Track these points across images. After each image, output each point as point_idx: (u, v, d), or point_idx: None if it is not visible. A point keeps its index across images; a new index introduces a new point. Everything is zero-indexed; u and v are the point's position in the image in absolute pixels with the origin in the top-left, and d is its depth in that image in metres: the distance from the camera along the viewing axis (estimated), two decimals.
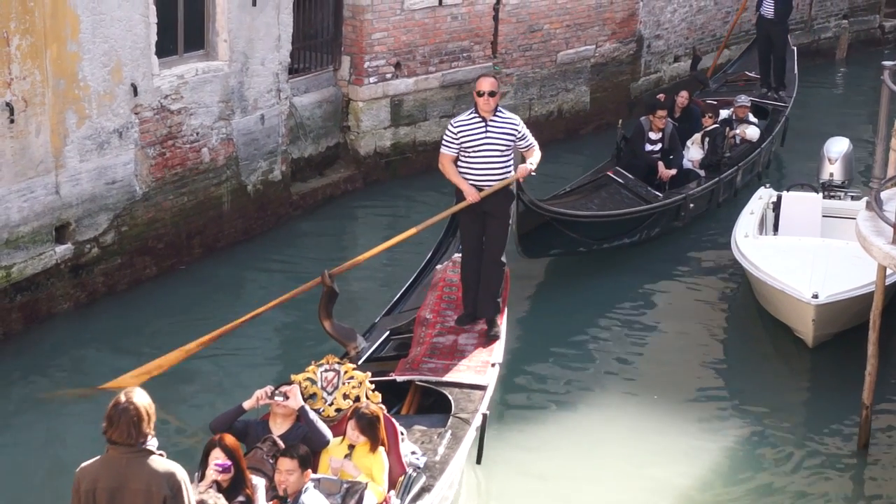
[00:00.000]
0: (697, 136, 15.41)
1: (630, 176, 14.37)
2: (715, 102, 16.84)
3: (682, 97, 15.97)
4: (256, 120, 13.80)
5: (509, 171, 9.94)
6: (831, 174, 13.73)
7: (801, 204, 13.22)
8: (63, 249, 11.71)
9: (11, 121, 10.96)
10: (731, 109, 16.30)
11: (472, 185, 9.87)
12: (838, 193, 13.63)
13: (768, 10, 17.71)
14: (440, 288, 10.43)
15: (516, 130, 9.94)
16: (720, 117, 15.91)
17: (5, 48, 10.82)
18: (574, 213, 13.15)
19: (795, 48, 18.79)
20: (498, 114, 9.91)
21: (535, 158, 10.01)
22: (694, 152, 15.32)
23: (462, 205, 9.92)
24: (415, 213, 14.23)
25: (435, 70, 16.24)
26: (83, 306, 11.97)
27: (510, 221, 10.22)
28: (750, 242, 12.45)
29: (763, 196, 13.70)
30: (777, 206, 13.33)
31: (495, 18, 16.84)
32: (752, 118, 16.33)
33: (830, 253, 11.91)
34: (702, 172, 15.03)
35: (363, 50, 15.37)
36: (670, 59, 19.68)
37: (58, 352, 11.26)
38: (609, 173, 14.45)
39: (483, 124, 9.84)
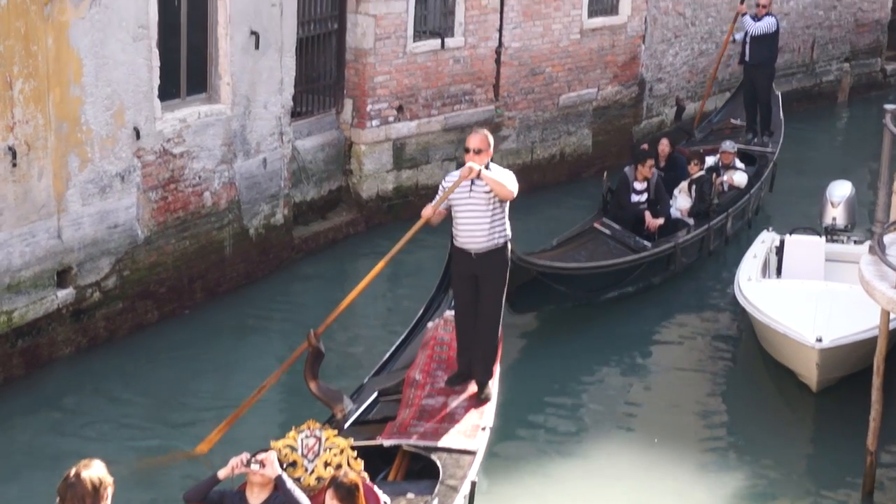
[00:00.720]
0: (684, 184, 15.22)
1: (617, 227, 14.18)
2: (700, 150, 16.50)
3: (664, 145, 15.70)
4: (259, 163, 13.81)
5: (502, 233, 9.53)
6: (834, 218, 13.71)
7: (804, 248, 13.20)
8: (64, 294, 11.69)
9: (14, 165, 10.96)
10: (718, 156, 16.12)
11: (460, 248, 9.55)
12: (841, 237, 13.61)
13: (752, 55, 17.57)
14: (431, 347, 10.14)
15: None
16: (706, 164, 15.69)
17: (8, 92, 10.84)
18: (562, 265, 12.90)
19: (780, 94, 18.63)
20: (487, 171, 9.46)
21: (498, 178, 9.37)
22: (682, 201, 15.11)
23: (419, 223, 9.59)
24: (416, 257, 14.22)
25: (437, 113, 16.27)
26: (84, 351, 11.93)
27: (504, 287, 9.72)
28: (753, 286, 12.42)
29: (766, 240, 13.70)
30: (780, 249, 13.33)
31: (497, 62, 16.89)
32: (738, 164, 16.19)
33: (834, 297, 11.88)
34: (691, 221, 14.80)
35: (366, 93, 15.41)
36: (672, 102, 19.72)
37: (59, 397, 11.20)
38: (596, 225, 14.24)
39: (468, 183, 9.47)
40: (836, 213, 13.71)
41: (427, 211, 9.59)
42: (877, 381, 9.68)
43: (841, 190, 13.83)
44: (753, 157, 17.09)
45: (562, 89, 17.90)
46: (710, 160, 15.97)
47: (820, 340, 11.02)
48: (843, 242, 13.51)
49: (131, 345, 12.21)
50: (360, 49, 15.33)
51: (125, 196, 12.20)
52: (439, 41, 16.09)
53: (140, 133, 12.24)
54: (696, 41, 19.79)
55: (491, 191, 9.39)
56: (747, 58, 17.59)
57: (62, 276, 11.68)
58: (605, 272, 13.38)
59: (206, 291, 13.31)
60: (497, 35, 16.79)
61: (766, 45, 17.49)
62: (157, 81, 12.40)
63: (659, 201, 14.48)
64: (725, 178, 15.65)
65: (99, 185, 11.89)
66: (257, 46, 13.51)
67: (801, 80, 22.54)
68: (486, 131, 9.63)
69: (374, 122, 15.55)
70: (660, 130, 18.39)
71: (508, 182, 9.41)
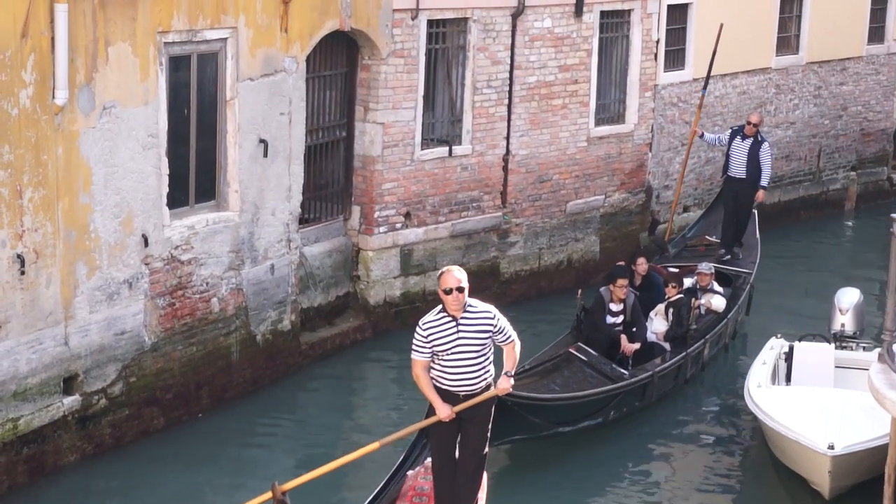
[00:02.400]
0: (661, 306, 14.45)
1: (594, 353, 13.36)
2: (678, 270, 15.79)
3: (641, 264, 14.94)
4: (266, 270, 13.84)
5: (488, 373, 9.07)
6: (843, 324, 13.68)
7: (813, 354, 13.16)
8: (71, 401, 11.65)
9: (22, 273, 10.99)
10: (695, 278, 15.36)
11: (447, 390, 8.99)
12: (850, 344, 13.58)
13: (739, 170, 16.94)
14: (409, 499, 9.59)
15: (491, 325, 8.99)
16: (684, 286, 14.92)
17: (18, 201, 10.91)
18: (536, 396, 12.06)
19: (756, 212, 17.61)
20: (469, 309, 8.97)
21: (514, 361, 9.10)
22: (658, 324, 14.37)
23: (431, 419, 9.08)
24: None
25: (445, 220, 16.34)
26: (90, 458, 11.86)
27: (490, 426, 9.17)
28: (763, 392, 12.38)
29: (774, 346, 13.66)
30: (789, 356, 13.29)
31: (505, 169, 16.99)
32: (716, 286, 15.41)
33: (845, 404, 11.83)
34: (667, 345, 14.08)
35: (373, 200, 15.49)
36: (679, 209, 19.79)
37: None
38: (571, 350, 13.39)
39: (453, 324, 8.90)
40: (844, 320, 13.68)
41: (447, 414, 8.94)
42: (888, 490, 9.60)
43: (849, 297, 13.82)
44: (729, 278, 16.28)
45: (569, 196, 17.98)
46: (687, 282, 15.25)
47: (832, 447, 10.96)
48: (851, 349, 13.49)
49: (137, 451, 12.14)
50: (368, 156, 15.44)
51: (133, 303, 12.21)
52: (447, 149, 16.21)
53: (148, 240, 12.30)
54: (703, 149, 19.90)
55: (484, 331, 8.96)
56: (738, 173, 17.04)
57: (68, 383, 11.65)
58: (581, 402, 12.64)
59: (213, 397, 13.26)
60: (504, 143, 16.92)
61: (757, 163, 16.98)
62: (165, 189, 12.49)
63: (635, 324, 13.82)
64: (703, 301, 14.96)
65: (107, 292, 11.91)
66: (266, 154, 13.62)
67: (807, 189, 22.62)
68: (457, 269, 9.06)
69: (382, 229, 15.61)
70: (666, 237, 18.29)
71: (515, 341, 9.12)
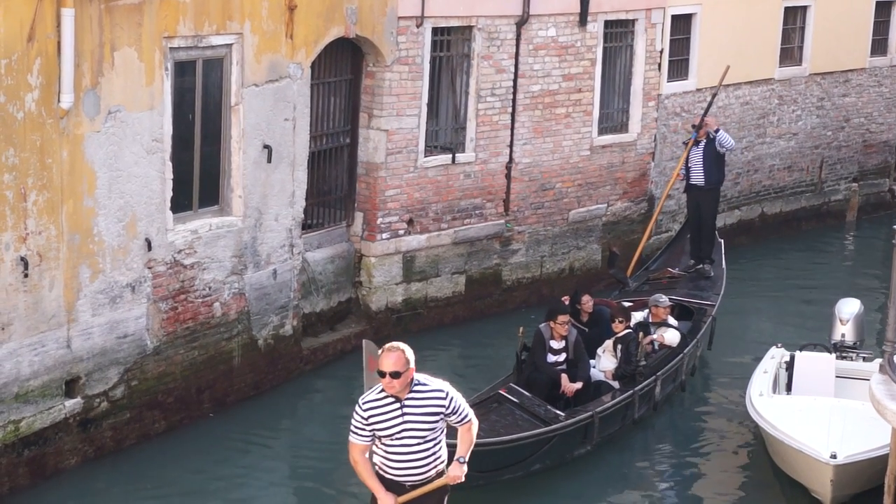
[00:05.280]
0: (609, 342, 13.49)
1: (526, 393, 12.40)
2: (631, 303, 14.82)
3: (586, 303, 14.11)
4: (269, 275, 13.87)
5: (438, 459, 8.04)
6: (843, 335, 13.70)
7: (814, 364, 13.18)
8: (72, 403, 11.67)
9: (25, 275, 11.02)
10: (647, 311, 14.35)
11: (391, 479, 7.93)
12: (850, 354, 13.60)
13: (698, 177, 16.70)
14: None
15: (442, 406, 7.91)
16: (636, 320, 14.03)
17: (22, 203, 10.94)
18: (453, 442, 10.68)
19: (723, 241, 17.08)
20: (417, 388, 7.86)
21: (469, 444, 8.08)
22: (605, 362, 13.43)
23: None
24: (426, 369, 14.10)
25: (447, 227, 16.37)
26: (91, 461, 11.88)
27: (447, 493, 8.20)
28: (765, 401, 12.40)
29: (775, 355, 13.68)
30: (790, 365, 13.32)
31: (508, 177, 17.03)
32: (671, 321, 14.29)
33: (846, 413, 11.85)
34: (616, 384, 13.16)
35: (376, 206, 15.52)
36: (682, 218, 19.80)
37: None
38: (501, 391, 12.41)
39: (398, 405, 7.81)
40: (844, 330, 13.69)
41: (389, 503, 7.90)
42: (888, 500, 9.62)
43: (849, 307, 13.84)
44: (691, 311, 15.31)
45: (572, 204, 18.01)
46: (639, 315, 14.30)
47: (834, 457, 11.00)
48: (852, 359, 13.51)
49: (138, 455, 12.16)
50: (372, 163, 15.47)
51: (135, 306, 12.24)
52: (450, 156, 16.25)
53: (152, 244, 12.32)
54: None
55: (433, 413, 7.89)
56: (698, 181, 16.71)
57: (70, 386, 11.68)
58: (507, 448, 11.57)
59: (214, 402, 13.28)
60: (508, 151, 16.95)
61: (716, 166, 16.78)
62: (169, 194, 12.52)
63: (578, 363, 12.93)
64: (656, 336, 13.94)
65: (109, 295, 11.94)
66: (269, 160, 13.65)
67: (809, 199, 22.65)
68: (403, 348, 7.82)
69: (385, 235, 15.64)
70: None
71: (472, 421, 8.11)
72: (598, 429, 12.47)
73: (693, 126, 17.36)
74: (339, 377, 14.74)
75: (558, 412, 12.27)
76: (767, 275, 19.65)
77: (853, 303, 13.98)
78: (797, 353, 13.42)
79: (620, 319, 13.47)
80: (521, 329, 13.31)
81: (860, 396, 11.68)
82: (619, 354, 13.35)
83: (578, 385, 12.80)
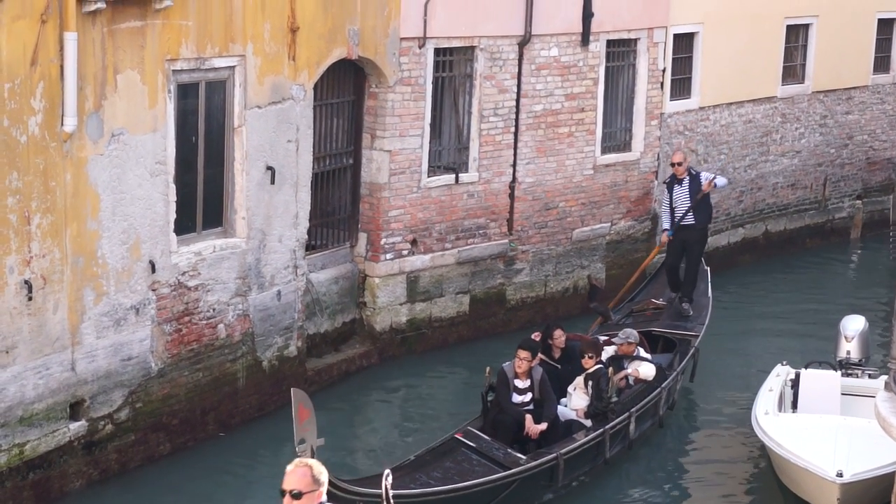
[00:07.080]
0: (580, 379, 12.83)
1: (484, 437, 11.83)
2: (605, 337, 14.27)
3: (558, 338, 13.47)
4: (273, 296, 13.87)
5: None
6: (848, 352, 13.69)
7: (819, 381, 13.15)
8: (77, 426, 11.67)
9: (30, 298, 11.03)
10: (615, 348, 13.75)
11: None
12: (856, 371, 13.58)
13: (688, 216, 16.06)
14: None
15: None
16: (606, 354, 13.46)
17: (26, 227, 10.95)
18: (400, 493, 9.95)
19: (708, 269, 16.55)
20: None
21: None
22: (577, 399, 12.80)
23: None
24: (430, 389, 14.11)
25: (451, 247, 16.37)
26: (96, 484, 11.87)
27: None
28: (771, 419, 12.39)
29: (780, 373, 13.66)
30: (795, 383, 13.29)
31: (511, 196, 17.03)
32: (643, 353, 13.75)
33: (853, 431, 11.84)
34: (588, 423, 12.53)
35: (380, 227, 15.53)
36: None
37: None
38: (457, 436, 11.83)
39: None
40: (850, 347, 13.68)
41: None
42: None
43: (855, 324, 13.83)
44: (673, 342, 14.87)
45: (575, 223, 18.01)
46: (611, 349, 13.73)
47: (841, 475, 10.99)
48: (857, 376, 13.49)
49: (143, 477, 12.15)
50: (375, 183, 15.49)
51: (139, 329, 12.24)
52: (454, 176, 16.26)
53: (156, 266, 12.33)
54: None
55: None
56: (686, 220, 16.08)
57: (75, 409, 11.68)
58: (462, 496, 10.89)
59: (219, 423, 13.27)
60: (511, 170, 16.96)
61: (703, 204, 16.19)
62: (173, 216, 12.53)
63: (544, 402, 12.25)
64: (630, 370, 13.40)
65: (114, 317, 11.94)
66: (273, 181, 13.66)
67: (813, 217, 22.64)
68: (311, 464, 6.12)
69: (388, 256, 15.65)
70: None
71: None
72: (565, 471, 11.79)
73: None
74: (345, 398, 14.73)
75: (520, 455, 11.65)
76: (772, 292, 19.61)
77: (858, 320, 13.96)
78: (802, 371, 13.40)
79: (590, 355, 12.82)
80: (487, 369, 12.63)
81: (866, 414, 11.66)
82: (590, 391, 12.70)
83: (543, 426, 12.10)
